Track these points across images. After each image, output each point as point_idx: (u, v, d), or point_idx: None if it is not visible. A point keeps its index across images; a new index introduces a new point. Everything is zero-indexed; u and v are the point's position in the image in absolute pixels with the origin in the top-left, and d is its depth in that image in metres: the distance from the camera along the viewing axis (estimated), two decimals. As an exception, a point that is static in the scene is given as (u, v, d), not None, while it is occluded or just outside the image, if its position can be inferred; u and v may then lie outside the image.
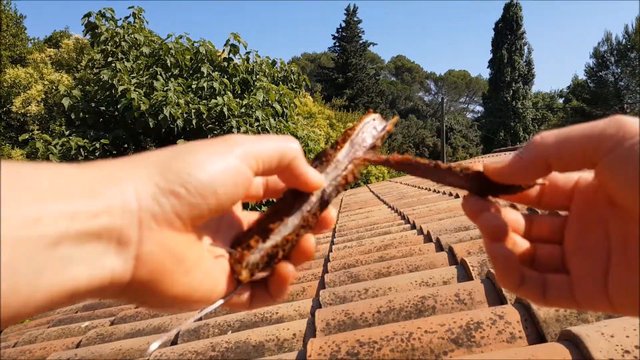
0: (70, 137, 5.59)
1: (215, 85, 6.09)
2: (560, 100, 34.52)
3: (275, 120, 6.42)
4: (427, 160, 0.34)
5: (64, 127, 6.01)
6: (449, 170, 0.34)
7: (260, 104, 6.20)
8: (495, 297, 1.12)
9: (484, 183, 0.33)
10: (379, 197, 4.76)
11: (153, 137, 6.22)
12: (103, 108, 6.11)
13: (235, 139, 0.30)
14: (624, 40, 22.92)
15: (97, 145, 5.66)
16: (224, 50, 6.71)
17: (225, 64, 6.75)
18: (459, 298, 1.14)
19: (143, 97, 5.58)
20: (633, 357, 0.70)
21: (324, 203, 0.33)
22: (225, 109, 5.82)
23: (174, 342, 1.32)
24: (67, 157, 5.51)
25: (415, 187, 5.04)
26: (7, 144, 10.25)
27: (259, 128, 6.01)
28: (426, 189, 4.36)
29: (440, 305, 1.13)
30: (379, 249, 1.98)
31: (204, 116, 5.82)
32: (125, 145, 6.19)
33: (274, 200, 0.36)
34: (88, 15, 6.00)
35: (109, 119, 6.21)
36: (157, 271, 0.26)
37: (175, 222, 0.26)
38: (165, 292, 0.27)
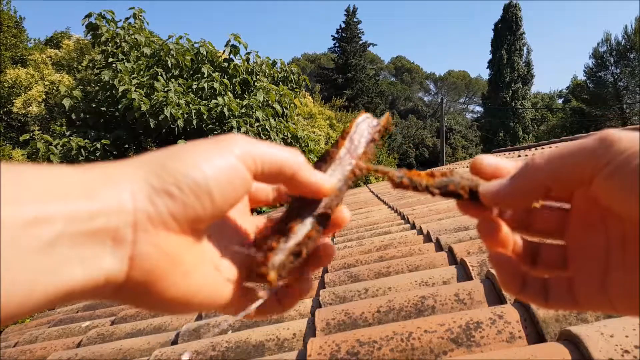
0: (71, 138, 5.60)
1: (216, 85, 6.10)
2: (560, 101, 34.53)
3: (275, 120, 6.43)
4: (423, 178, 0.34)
5: (64, 127, 6.02)
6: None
7: (260, 104, 6.21)
8: (495, 297, 1.13)
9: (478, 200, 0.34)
10: (378, 197, 4.77)
11: (154, 137, 6.23)
12: (104, 108, 6.11)
13: (234, 139, 0.29)
14: (623, 41, 22.93)
15: (98, 145, 5.67)
16: (224, 50, 6.72)
17: (226, 64, 6.76)
18: (459, 298, 1.14)
19: (144, 98, 5.58)
20: (632, 357, 0.71)
21: (336, 198, 0.33)
22: (225, 110, 5.83)
23: (174, 342, 1.32)
24: (67, 157, 5.51)
25: (415, 187, 5.03)
26: (8, 145, 10.25)
27: (259, 128, 6.02)
28: (426, 189, 4.35)
29: (440, 305, 1.14)
30: (378, 248, 1.98)
31: (205, 116, 5.83)
32: (126, 146, 6.19)
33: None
34: (89, 15, 6.01)
35: (109, 119, 6.22)
36: (151, 272, 0.25)
37: (171, 223, 0.26)
38: (162, 294, 0.26)
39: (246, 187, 0.29)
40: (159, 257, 0.25)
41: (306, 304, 1.40)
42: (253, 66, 6.90)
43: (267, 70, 7.11)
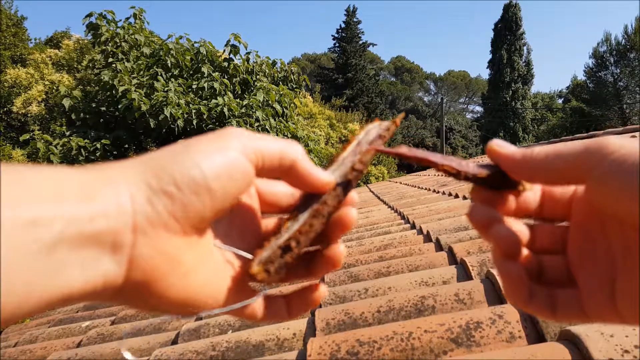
0: (71, 138, 5.60)
1: (216, 85, 6.10)
2: (560, 101, 34.53)
3: (275, 120, 6.43)
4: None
5: (64, 127, 6.02)
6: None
7: (260, 104, 6.21)
8: (495, 297, 1.13)
9: (491, 173, 0.34)
10: (378, 197, 4.77)
11: (154, 137, 6.23)
12: (104, 108, 6.12)
13: (232, 133, 0.29)
14: (623, 41, 22.92)
15: (98, 145, 5.67)
16: (224, 50, 6.72)
17: (226, 64, 6.76)
18: (459, 298, 1.14)
19: (144, 98, 5.59)
20: (632, 357, 0.71)
21: (335, 196, 0.33)
22: (225, 109, 5.83)
23: (174, 342, 1.32)
24: (67, 157, 5.51)
25: (415, 187, 5.04)
26: (8, 144, 10.25)
27: (259, 128, 6.02)
28: (426, 189, 4.36)
29: (439, 305, 1.14)
30: (378, 248, 1.98)
31: (205, 116, 5.83)
32: (126, 146, 6.19)
33: None
34: (89, 15, 6.02)
35: (109, 119, 6.22)
36: (150, 274, 0.25)
37: (172, 224, 0.25)
38: (161, 295, 0.26)
39: (247, 180, 0.29)
40: (158, 259, 0.25)
41: (306, 303, 1.40)
42: (253, 66, 6.91)
43: (267, 70, 7.12)
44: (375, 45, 43.52)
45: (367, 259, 1.78)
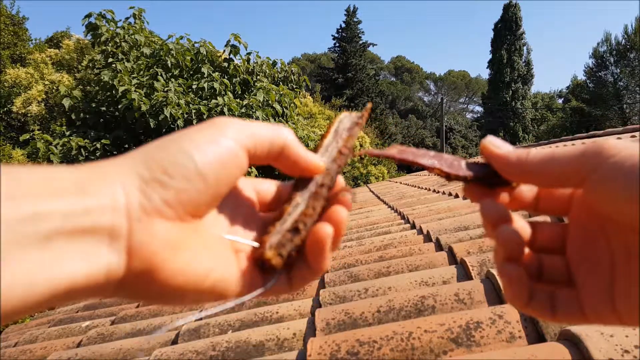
0: (71, 138, 5.60)
1: (216, 85, 6.10)
2: (560, 101, 34.51)
3: (275, 120, 6.43)
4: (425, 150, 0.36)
5: (64, 127, 6.02)
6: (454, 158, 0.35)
7: (260, 104, 6.21)
8: (495, 297, 1.13)
9: (482, 172, 0.34)
10: (378, 197, 4.77)
11: (154, 137, 6.22)
12: (104, 108, 6.12)
13: (223, 121, 0.30)
14: (623, 41, 22.92)
15: (98, 145, 5.67)
16: (224, 50, 6.72)
17: (226, 64, 6.76)
18: (459, 298, 1.14)
19: (144, 98, 5.59)
20: (632, 357, 0.71)
21: (328, 176, 0.34)
22: (225, 109, 5.83)
23: (174, 342, 1.32)
24: (67, 157, 5.51)
25: (415, 187, 5.04)
26: (8, 144, 10.25)
27: (259, 128, 6.01)
28: (426, 189, 4.36)
29: (439, 305, 1.14)
30: (378, 248, 1.98)
31: (205, 116, 5.82)
32: (126, 146, 6.19)
33: None
34: (89, 15, 6.01)
35: (109, 119, 6.22)
36: (151, 260, 0.26)
37: (166, 210, 0.26)
38: (166, 282, 0.26)
39: (240, 166, 0.29)
40: (157, 244, 0.26)
41: (306, 303, 1.40)
42: (253, 66, 6.91)
43: (267, 71, 7.12)
44: (375, 45, 43.54)
45: (367, 259, 1.78)
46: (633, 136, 4.26)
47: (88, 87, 6.48)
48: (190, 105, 5.80)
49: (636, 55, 22.21)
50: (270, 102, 6.42)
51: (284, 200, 0.33)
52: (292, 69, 7.56)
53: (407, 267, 1.56)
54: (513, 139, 27.08)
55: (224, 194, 0.29)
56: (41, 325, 2.08)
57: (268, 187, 0.36)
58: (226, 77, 6.61)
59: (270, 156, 0.32)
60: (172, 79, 6.22)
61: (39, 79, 10.58)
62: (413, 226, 2.36)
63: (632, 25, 22.50)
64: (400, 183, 6.64)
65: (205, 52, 6.54)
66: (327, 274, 1.65)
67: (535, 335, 0.90)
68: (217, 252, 0.30)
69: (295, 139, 0.33)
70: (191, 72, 6.60)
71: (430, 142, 32.08)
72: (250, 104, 6.06)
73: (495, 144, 0.33)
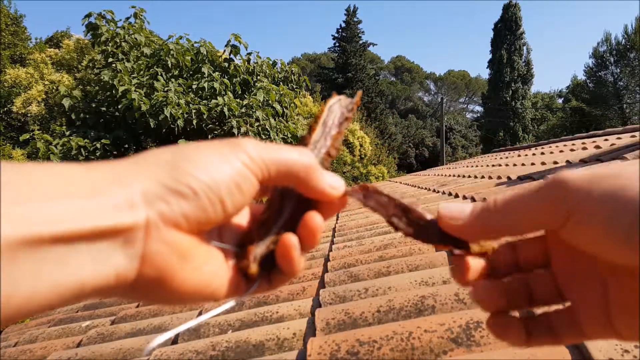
0: (71, 137, 5.60)
1: (216, 85, 6.10)
2: (560, 100, 34.51)
3: (275, 120, 6.42)
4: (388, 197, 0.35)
5: (64, 127, 6.01)
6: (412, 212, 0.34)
7: (260, 104, 6.21)
8: (495, 297, 1.13)
9: (436, 232, 0.33)
10: (379, 197, 4.76)
11: (154, 137, 6.23)
12: (104, 108, 6.11)
13: (243, 144, 0.30)
14: (623, 41, 22.91)
15: (98, 145, 5.67)
16: (224, 50, 6.72)
17: (226, 64, 6.75)
18: (459, 297, 1.14)
19: (144, 98, 5.58)
20: (633, 357, 0.71)
21: None
22: (225, 109, 5.83)
23: (174, 342, 1.32)
24: (67, 157, 5.51)
25: (415, 186, 5.04)
26: (8, 144, 10.25)
27: (259, 128, 6.02)
28: (426, 188, 4.36)
29: (440, 305, 1.14)
30: (378, 248, 1.98)
31: (205, 116, 5.82)
32: (126, 146, 6.19)
33: None
34: (89, 15, 6.01)
35: (109, 119, 6.22)
36: (164, 269, 0.26)
37: (182, 223, 0.26)
38: (176, 289, 0.27)
39: (253, 192, 0.30)
40: (170, 254, 0.26)
41: (306, 303, 1.40)
42: (254, 66, 6.90)
43: (267, 71, 7.11)
44: (375, 45, 43.43)
45: (367, 259, 1.78)
46: (633, 136, 4.25)
47: (88, 87, 6.47)
48: (190, 105, 5.80)
49: (636, 55, 22.20)
50: (270, 102, 6.41)
51: (270, 206, 0.33)
52: (292, 69, 7.56)
53: (407, 267, 1.56)
54: (513, 139, 27.09)
55: (233, 217, 0.30)
56: (41, 325, 2.08)
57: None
58: (226, 77, 6.60)
59: (289, 182, 0.32)
60: (172, 79, 6.22)
61: (39, 79, 10.58)
62: (413, 226, 2.35)
63: (632, 25, 22.50)
64: (401, 183, 6.64)
65: (205, 52, 6.53)
66: (327, 273, 1.65)
67: (535, 335, 0.90)
68: (216, 259, 0.31)
69: (316, 166, 0.32)
70: (191, 72, 6.60)
71: (430, 142, 32.07)
72: (251, 103, 6.05)
73: (452, 216, 0.32)
